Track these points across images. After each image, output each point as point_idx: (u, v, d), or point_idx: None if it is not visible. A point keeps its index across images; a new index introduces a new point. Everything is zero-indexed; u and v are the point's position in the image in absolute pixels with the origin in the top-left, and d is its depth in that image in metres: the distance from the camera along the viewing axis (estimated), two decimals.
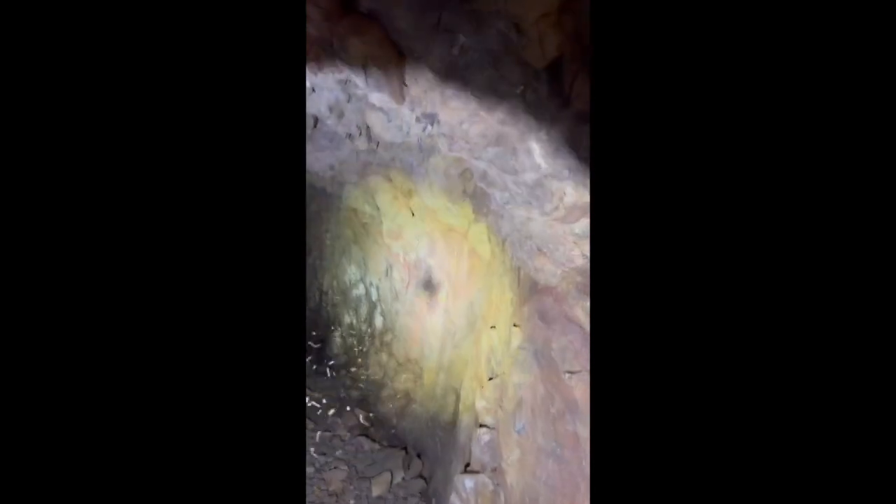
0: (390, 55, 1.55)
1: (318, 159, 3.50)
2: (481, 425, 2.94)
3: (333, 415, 4.55)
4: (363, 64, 1.63)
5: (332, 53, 1.79)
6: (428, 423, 3.97)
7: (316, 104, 2.53)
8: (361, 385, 5.10)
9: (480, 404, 3.00)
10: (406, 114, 2.12)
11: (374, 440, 4.14)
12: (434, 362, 4.22)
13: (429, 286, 4.87)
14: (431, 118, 1.74)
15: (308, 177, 4.62)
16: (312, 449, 3.87)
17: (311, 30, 1.68)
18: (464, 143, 1.88)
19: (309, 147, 3.36)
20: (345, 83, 2.33)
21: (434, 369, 4.19)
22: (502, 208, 2.23)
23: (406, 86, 1.61)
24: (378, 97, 1.76)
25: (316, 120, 2.83)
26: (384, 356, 5.20)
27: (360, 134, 2.82)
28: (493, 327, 3.15)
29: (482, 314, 3.53)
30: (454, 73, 1.59)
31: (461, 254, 4.05)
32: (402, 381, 4.69)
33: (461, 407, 3.37)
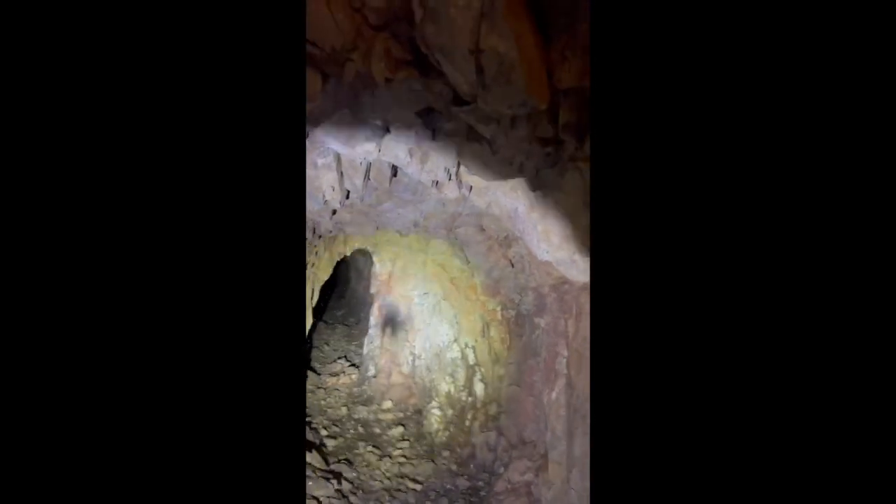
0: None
1: (400, 216, 2.91)
2: None
3: None
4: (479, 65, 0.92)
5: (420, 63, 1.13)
6: None
7: (392, 150, 1.92)
8: (468, 472, 4.24)
9: None
10: (521, 136, 1.40)
11: None
12: (560, 452, 3.26)
13: (537, 349, 3.99)
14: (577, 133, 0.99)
15: (388, 234, 4.11)
16: None
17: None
18: None
19: (388, 204, 2.78)
20: (428, 115, 1.69)
21: (562, 462, 3.22)
22: None
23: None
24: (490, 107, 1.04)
25: (394, 170, 2.23)
26: (492, 435, 4.32)
27: (450, 178, 2.16)
28: None
29: None
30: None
31: (582, 311, 3.16)
32: (520, 472, 3.75)
33: None
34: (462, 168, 2.08)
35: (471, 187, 2.33)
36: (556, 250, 2.23)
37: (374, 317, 6.49)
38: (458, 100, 1.19)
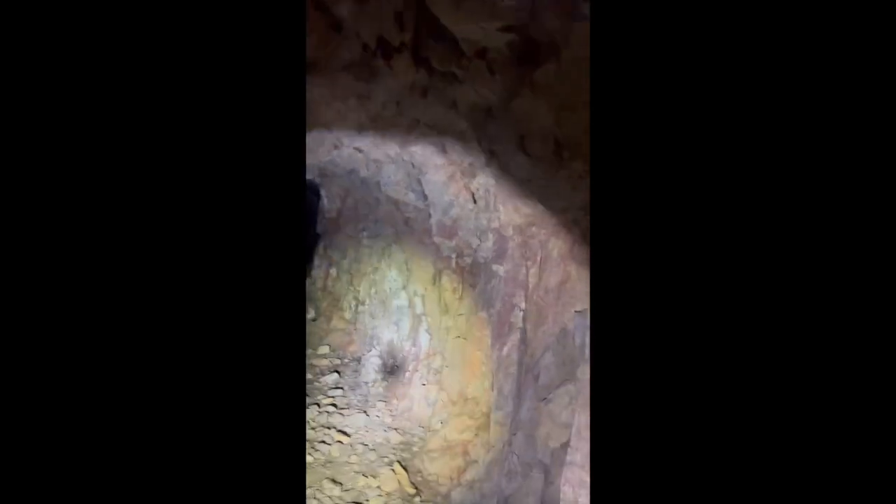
0: None
1: (340, 115, 2.26)
2: None
3: (364, 471, 3.32)
4: None
5: None
6: None
7: None
8: (403, 426, 3.86)
9: None
10: None
11: None
12: (505, 413, 2.89)
13: (491, 300, 3.57)
14: None
15: (335, 156, 3.43)
16: None
17: None
18: None
19: (327, 93, 2.11)
20: None
21: (505, 424, 2.86)
22: None
23: None
24: None
25: (333, 28, 1.56)
26: (433, 389, 3.93)
27: (405, 48, 1.54)
28: None
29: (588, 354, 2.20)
30: None
31: (549, 258, 2.71)
32: (458, 430, 3.39)
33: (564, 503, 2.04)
34: (421, 28, 1.47)
35: (433, 70, 1.72)
36: (535, 164, 1.69)
37: (319, 257, 5.86)
38: None
